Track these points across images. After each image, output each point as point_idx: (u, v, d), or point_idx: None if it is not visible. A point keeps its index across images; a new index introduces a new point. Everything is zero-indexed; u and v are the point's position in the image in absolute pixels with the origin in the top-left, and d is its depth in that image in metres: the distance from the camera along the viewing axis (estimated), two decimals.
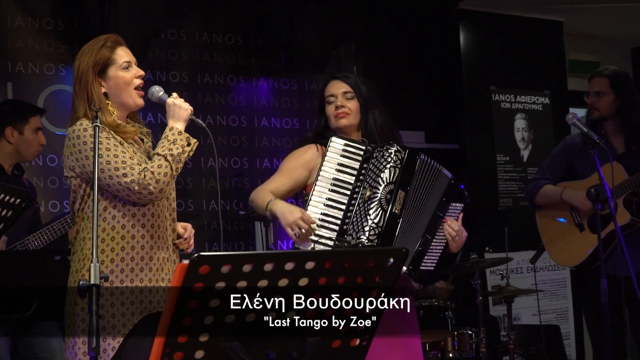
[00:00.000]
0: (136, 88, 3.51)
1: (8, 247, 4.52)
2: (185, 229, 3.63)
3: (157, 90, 3.54)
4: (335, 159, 3.76)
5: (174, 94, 3.50)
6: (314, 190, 3.73)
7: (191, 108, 3.48)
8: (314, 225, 3.65)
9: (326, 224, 3.68)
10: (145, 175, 3.32)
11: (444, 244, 3.94)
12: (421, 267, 3.83)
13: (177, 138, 3.42)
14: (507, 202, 7.53)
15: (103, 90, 3.50)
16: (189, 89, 6.30)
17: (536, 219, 5.28)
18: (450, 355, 5.53)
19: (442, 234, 3.91)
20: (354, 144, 3.79)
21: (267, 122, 6.61)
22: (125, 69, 3.51)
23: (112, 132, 3.42)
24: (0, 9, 5.63)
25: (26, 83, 5.68)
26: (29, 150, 4.81)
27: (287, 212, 3.68)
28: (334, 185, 3.73)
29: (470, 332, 5.57)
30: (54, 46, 5.76)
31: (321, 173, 3.75)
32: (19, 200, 3.47)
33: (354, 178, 3.75)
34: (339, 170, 3.75)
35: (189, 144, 3.44)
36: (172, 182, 3.43)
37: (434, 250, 3.89)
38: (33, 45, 5.73)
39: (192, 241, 3.64)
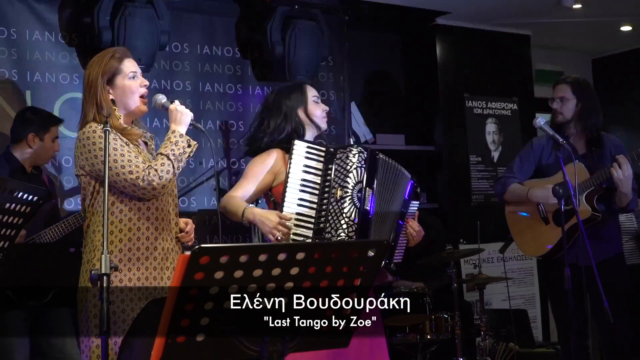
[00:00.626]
0: (141, 96, 3.55)
1: (26, 239, 4.52)
2: (187, 224, 3.65)
3: (161, 98, 3.59)
4: (300, 161, 3.72)
5: (176, 101, 3.53)
6: (286, 191, 3.68)
7: (192, 114, 3.51)
8: (290, 223, 3.61)
9: (301, 223, 3.66)
10: (149, 172, 3.35)
11: (407, 239, 3.97)
12: (394, 260, 3.87)
13: (178, 140, 3.44)
14: (479, 198, 7.53)
15: (111, 97, 3.51)
16: (191, 97, 6.28)
17: (505, 213, 5.27)
18: (428, 337, 5.53)
19: (405, 230, 3.93)
20: (315, 146, 3.76)
21: None
22: (131, 78, 3.53)
23: (119, 135, 3.44)
24: (20, 25, 5.61)
25: (43, 91, 5.66)
26: (45, 156, 4.88)
27: (265, 219, 3.66)
28: (303, 185, 3.70)
29: (446, 316, 5.57)
30: (69, 58, 5.74)
31: (289, 175, 3.70)
32: (37, 197, 3.45)
33: (320, 178, 3.72)
34: (305, 172, 3.71)
35: (189, 146, 3.47)
36: (173, 179, 3.45)
37: (402, 245, 3.91)
38: (49, 57, 5.70)
39: (192, 234, 3.65)
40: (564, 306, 4.59)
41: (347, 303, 2.45)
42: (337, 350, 3.61)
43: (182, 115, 3.49)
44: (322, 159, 3.73)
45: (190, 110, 6.33)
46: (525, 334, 7.05)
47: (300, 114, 3.90)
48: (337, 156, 3.74)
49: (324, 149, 3.77)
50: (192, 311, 2.23)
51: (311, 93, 3.95)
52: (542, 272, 5.49)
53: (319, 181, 3.72)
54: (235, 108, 6.51)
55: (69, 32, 5.77)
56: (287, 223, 3.61)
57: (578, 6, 7.13)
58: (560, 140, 4.57)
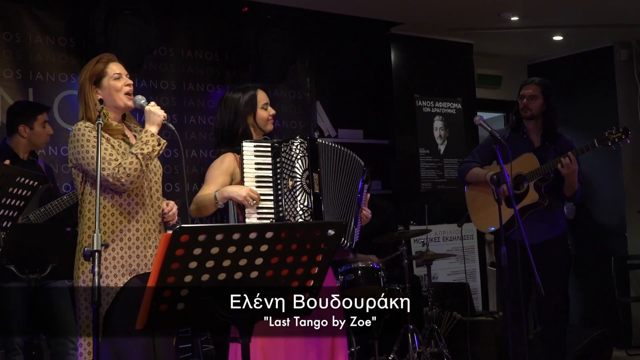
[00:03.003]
0: (126, 93, 3.54)
1: (22, 219, 4.49)
2: (168, 205, 3.64)
3: (140, 99, 3.55)
4: (251, 160, 3.70)
5: (152, 103, 3.50)
6: None
7: (165, 115, 3.47)
8: (258, 195, 3.63)
9: (263, 215, 3.64)
10: (118, 171, 3.34)
11: (360, 220, 3.94)
12: (355, 241, 3.84)
13: (149, 139, 3.42)
14: (427, 185, 7.55)
15: (99, 97, 3.51)
16: (176, 95, 6.27)
17: (465, 193, 5.31)
18: (383, 306, 5.53)
19: (361, 213, 3.91)
20: (261, 144, 3.73)
21: None
22: (116, 79, 3.53)
23: (102, 131, 3.41)
24: (23, 29, 5.57)
25: (44, 89, 5.62)
26: (40, 140, 4.84)
27: (237, 189, 3.66)
28: (258, 181, 3.68)
29: (398, 288, 5.58)
30: (67, 59, 5.71)
31: (244, 174, 3.69)
32: (35, 182, 3.43)
33: (271, 172, 3.70)
34: (257, 169, 3.69)
35: (159, 144, 3.45)
36: (142, 175, 3.41)
37: (359, 226, 3.90)
38: (50, 58, 5.66)
39: (175, 215, 3.65)
40: (503, 280, 4.64)
41: (310, 276, 2.46)
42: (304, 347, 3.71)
43: (154, 116, 3.46)
44: (269, 154, 3.71)
45: (175, 108, 6.36)
46: (467, 304, 7.08)
47: (249, 119, 3.87)
48: (282, 149, 3.72)
49: (269, 144, 3.74)
50: (174, 283, 2.22)
51: (261, 101, 3.92)
52: (495, 247, 5.53)
53: (270, 174, 3.70)
54: (214, 105, 6.47)
55: (67, 37, 5.73)
56: (256, 195, 3.62)
57: (515, 18, 7.16)
58: (498, 136, 4.60)
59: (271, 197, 3.67)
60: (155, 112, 3.46)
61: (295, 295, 2.47)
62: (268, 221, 3.61)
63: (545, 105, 5.14)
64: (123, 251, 3.43)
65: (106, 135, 3.45)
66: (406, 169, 7.42)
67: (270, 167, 3.70)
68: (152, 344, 3.41)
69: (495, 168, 5.03)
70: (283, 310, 2.50)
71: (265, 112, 3.89)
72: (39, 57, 5.61)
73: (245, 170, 3.69)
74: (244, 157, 3.70)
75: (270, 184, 3.69)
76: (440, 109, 7.72)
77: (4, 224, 3.37)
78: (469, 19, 7.14)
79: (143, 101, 3.54)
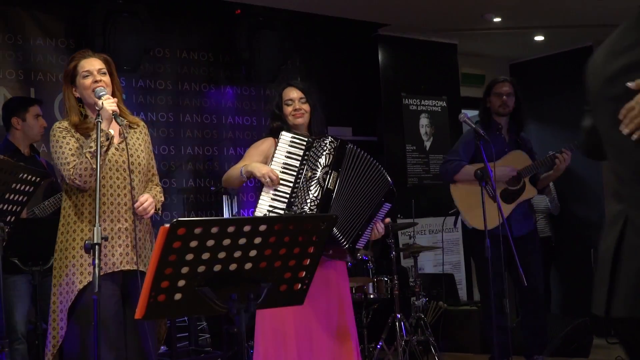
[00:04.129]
0: (95, 90, 3.39)
1: (28, 213, 4.49)
2: (140, 200, 3.47)
3: (98, 92, 3.36)
4: (284, 148, 3.77)
5: (105, 96, 3.32)
6: None
7: (113, 109, 3.28)
8: (278, 175, 3.69)
9: (278, 198, 3.69)
10: (72, 172, 3.31)
11: (370, 233, 3.94)
12: (357, 246, 3.84)
13: (87, 139, 3.34)
14: (414, 180, 7.57)
15: (77, 95, 3.47)
16: (172, 94, 6.27)
17: (451, 191, 5.28)
18: (371, 296, 5.56)
19: (371, 224, 3.89)
20: (299, 137, 3.80)
21: (232, 119, 6.60)
22: (84, 77, 3.43)
23: (72, 130, 3.41)
24: (25, 32, 5.58)
25: (45, 88, 5.62)
26: (33, 132, 4.81)
27: (259, 166, 3.71)
28: (284, 168, 3.74)
29: (386, 279, 5.60)
30: (67, 60, 5.67)
31: (274, 159, 3.75)
32: (37, 178, 3.42)
33: (299, 162, 3.75)
34: (287, 157, 3.75)
35: (107, 139, 3.34)
36: (94, 173, 3.26)
37: (366, 235, 3.89)
38: (50, 59, 5.67)
39: (146, 210, 3.45)
40: (486, 271, 4.66)
41: (302, 267, 2.47)
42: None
43: (104, 111, 3.29)
44: (303, 147, 3.77)
45: (171, 106, 6.35)
46: (452, 294, 7.12)
47: (277, 113, 3.96)
48: (314, 145, 3.78)
49: (305, 139, 3.80)
50: (171, 274, 2.23)
51: (285, 97, 3.98)
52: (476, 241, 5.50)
53: (297, 164, 3.75)
54: (209, 104, 6.50)
55: (67, 38, 5.74)
56: (275, 174, 3.67)
57: (498, 19, 7.18)
58: (482, 132, 4.63)
59: (290, 184, 3.72)
60: (105, 107, 3.29)
61: (287, 286, 2.48)
62: (280, 204, 3.65)
63: (516, 102, 5.19)
64: (82, 250, 3.29)
65: (77, 135, 3.41)
66: (393, 165, 7.43)
67: (299, 158, 3.76)
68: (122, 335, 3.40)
69: (482, 166, 5.05)
70: (276, 300, 2.52)
71: (288, 108, 3.95)
72: (40, 58, 5.62)
73: (276, 154, 3.76)
74: (280, 144, 3.77)
75: (293, 173, 3.74)
76: (426, 106, 7.74)
77: (8, 219, 3.37)
78: (454, 20, 7.15)
79: (100, 94, 3.34)
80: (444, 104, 7.87)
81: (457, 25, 7.31)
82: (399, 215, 6.96)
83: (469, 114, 5.54)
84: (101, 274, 3.19)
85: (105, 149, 3.33)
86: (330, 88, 7.19)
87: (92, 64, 3.45)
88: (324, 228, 2.43)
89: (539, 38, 8.04)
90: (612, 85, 2.12)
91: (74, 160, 3.32)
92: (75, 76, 3.45)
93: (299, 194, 3.71)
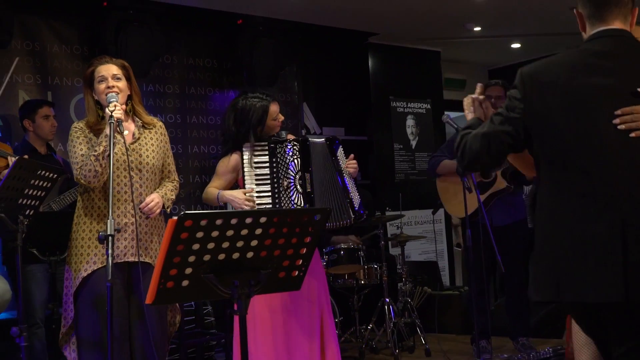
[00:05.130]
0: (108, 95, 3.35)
1: (45, 207, 4.47)
2: (147, 199, 3.44)
3: (109, 98, 3.30)
4: (249, 160, 3.63)
5: (112, 103, 3.25)
6: (245, 188, 3.63)
7: (117, 116, 3.19)
8: (254, 199, 3.59)
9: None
10: (79, 172, 3.31)
11: (353, 181, 3.81)
12: (356, 207, 3.71)
13: (102, 140, 3.28)
14: (401, 176, 7.57)
15: (95, 98, 3.43)
16: (179, 98, 6.25)
17: (436, 184, 5.28)
18: (362, 282, 5.56)
19: (347, 179, 3.75)
20: (258, 144, 3.64)
21: None
22: (99, 82, 3.39)
23: (87, 130, 3.40)
24: (42, 39, 5.54)
25: (61, 92, 5.59)
26: (43, 132, 4.78)
27: (234, 197, 3.62)
28: (257, 179, 3.62)
29: (376, 266, 5.60)
30: (81, 66, 5.66)
31: (245, 174, 3.63)
32: (54, 175, 3.40)
33: (268, 169, 3.63)
34: (256, 167, 3.62)
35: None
36: (100, 173, 3.29)
37: (354, 189, 3.77)
38: (66, 65, 5.64)
39: (152, 210, 3.42)
40: (468, 258, 4.65)
41: (299, 256, 2.46)
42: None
43: (108, 117, 3.24)
44: (266, 152, 3.64)
45: (179, 109, 6.34)
46: (436, 280, 7.12)
47: (258, 129, 3.71)
48: (277, 150, 3.64)
49: (265, 144, 3.65)
50: (179, 263, 2.21)
51: (273, 113, 3.74)
52: (460, 231, 5.52)
53: (268, 172, 3.62)
54: (213, 106, 6.48)
55: (81, 46, 5.71)
56: (250, 197, 3.58)
57: (478, 28, 7.18)
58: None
59: (268, 194, 3.62)
60: (109, 114, 3.22)
61: (285, 273, 2.47)
62: None
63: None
64: (90, 242, 3.37)
65: (90, 135, 3.39)
66: (382, 162, 7.43)
67: (267, 165, 3.63)
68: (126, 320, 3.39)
69: None
70: (275, 286, 2.51)
71: (274, 122, 3.75)
72: (56, 64, 5.58)
73: (245, 170, 3.63)
74: (244, 159, 3.64)
75: (267, 182, 3.62)
76: (412, 109, 7.74)
77: (27, 212, 3.34)
78: (437, 29, 7.15)
79: (111, 100, 3.28)
80: (428, 106, 7.86)
81: (440, 34, 7.31)
82: (387, 208, 6.96)
83: (452, 115, 5.54)
84: (105, 264, 3.21)
85: (107, 153, 3.25)
86: (324, 91, 7.20)
87: (108, 70, 3.40)
88: (319, 219, 2.42)
89: (516, 45, 8.04)
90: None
91: (82, 162, 3.31)
92: (93, 80, 3.41)
93: (282, 204, 3.60)
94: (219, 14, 6.20)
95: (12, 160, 3.40)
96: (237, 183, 3.81)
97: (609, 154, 2.18)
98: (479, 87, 2.70)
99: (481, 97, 2.65)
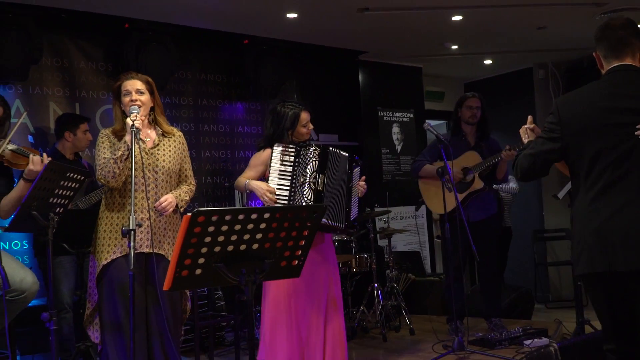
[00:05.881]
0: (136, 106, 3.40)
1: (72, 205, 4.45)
2: (161, 199, 3.44)
3: (131, 109, 3.35)
4: (278, 157, 3.70)
5: (133, 114, 3.29)
6: (269, 180, 3.69)
7: (136, 126, 3.23)
8: (274, 193, 3.65)
9: (280, 201, 3.65)
10: (99, 173, 3.33)
11: (357, 198, 3.91)
12: (351, 218, 3.82)
13: (122, 146, 3.32)
14: (388, 177, 7.56)
15: (122, 108, 3.45)
16: (193, 109, 6.23)
17: (419, 185, 5.29)
18: (354, 269, 5.56)
19: (354, 193, 3.86)
20: (287, 146, 3.72)
21: (242, 128, 6.56)
22: (125, 95, 3.42)
23: (112, 136, 3.42)
24: (70, 56, 5.49)
25: (88, 104, 5.54)
26: (81, 145, 4.78)
27: (258, 187, 3.68)
28: (280, 174, 3.70)
29: (366, 256, 5.60)
30: (105, 80, 5.64)
31: (271, 167, 3.69)
32: (82, 177, 3.39)
33: (291, 168, 3.69)
34: (281, 164, 3.69)
35: (127, 149, 3.31)
36: (118, 174, 3.32)
37: (355, 205, 3.87)
38: (92, 79, 5.60)
39: (165, 209, 3.42)
40: (447, 249, 4.65)
41: (298, 247, 2.45)
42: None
43: (127, 126, 3.29)
44: (292, 154, 3.71)
45: (192, 118, 6.32)
46: (419, 267, 7.12)
47: (289, 132, 3.81)
48: (301, 152, 3.71)
49: (293, 147, 3.73)
50: (193, 254, 2.21)
51: (303, 120, 3.84)
52: (439, 225, 5.53)
53: (290, 169, 3.69)
54: (223, 116, 6.46)
55: (105, 62, 5.67)
56: (271, 191, 3.64)
57: (455, 47, 7.17)
58: (442, 138, 4.62)
59: (287, 188, 3.67)
60: (128, 122, 3.27)
61: (286, 262, 2.46)
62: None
63: (482, 114, 5.18)
64: (110, 234, 3.39)
65: (114, 141, 3.41)
66: (371, 164, 7.42)
67: (291, 164, 3.69)
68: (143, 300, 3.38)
69: (440, 163, 5.04)
70: (277, 274, 2.50)
71: (304, 129, 3.84)
72: (83, 79, 5.54)
73: (272, 164, 3.70)
74: (273, 155, 3.71)
75: (288, 177, 3.68)
76: (397, 117, 7.73)
77: (57, 210, 3.33)
78: (419, 48, 7.14)
79: (133, 112, 3.32)
80: (412, 115, 7.85)
81: (421, 51, 7.30)
82: (376, 205, 6.95)
83: (432, 123, 5.55)
84: (124, 254, 3.29)
85: (125, 157, 3.31)
86: (320, 102, 7.18)
87: (133, 85, 3.43)
88: (316, 215, 2.42)
89: (488, 61, 8.04)
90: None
91: (103, 164, 3.34)
92: (120, 93, 3.44)
93: (296, 197, 3.66)
94: (228, 35, 6.19)
95: (33, 158, 3.37)
96: (265, 177, 3.85)
97: (629, 161, 2.52)
98: (529, 118, 3.02)
99: (532, 125, 2.98)
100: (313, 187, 3.68)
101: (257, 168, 3.84)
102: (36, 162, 3.35)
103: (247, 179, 3.80)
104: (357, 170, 3.95)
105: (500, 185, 7.48)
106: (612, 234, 2.48)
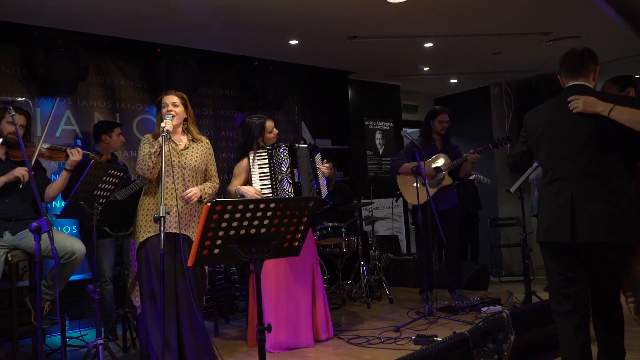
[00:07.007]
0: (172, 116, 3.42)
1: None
2: (187, 190, 3.43)
3: (165, 117, 3.37)
4: (255, 163, 3.66)
5: (165, 121, 3.32)
6: (252, 183, 3.65)
7: (167, 128, 3.27)
8: (260, 191, 3.62)
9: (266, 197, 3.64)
10: (138, 167, 3.33)
11: (325, 179, 3.88)
12: (322, 197, 3.77)
13: (155, 144, 3.36)
14: (372, 174, 7.55)
15: (161, 117, 3.45)
16: (213, 118, 6.20)
17: (397, 180, 5.26)
18: (344, 250, 5.54)
19: (320, 175, 3.81)
20: (260, 151, 3.68)
21: None
22: (163, 107, 3.43)
23: (152, 139, 3.42)
24: (111, 75, 5.46)
25: (126, 114, 5.52)
26: (115, 146, 4.74)
27: (247, 190, 3.65)
28: (261, 176, 3.66)
29: (353, 239, 5.59)
30: (141, 95, 5.62)
31: (252, 173, 3.66)
32: (121, 173, 3.38)
33: (268, 169, 3.66)
34: (259, 167, 3.66)
35: (159, 147, 3.32)
36: (152, 168, 3.30)
37: (323, 185, 3.84)
38: (130, 94, 5.57)
39: (190, 199, 3.40)
40: (420, 233, 4.64)
41: (298, 231, 2.44)
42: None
43: (158, 129, 3.34)
44: (265, 157, 3.68)
45: (212, 126, 6.28)
46: (396, 248, 7.12)
47: (259, 139, 3.77)
48: (273, 154, 3.67)
49: (264, 151, 3.68)
50: (212, 237, 2.20)
51: (268, 127, 3.79)
52: (413, 213, 5.51)
53: (267, 170, 3.66)
54: (237, 125, 6.42)
55: (141, 80, 5.64)
56: (257, 192, 3.62)
57: (427, 68, 7.16)
58: (416, 142, 4.61)
59: (269, 187, 3.64)
60: (161, 126, 3.33)
61: (288, 243, 2.45)
62: None
63: (448, 125, 5.19)
64: (145, 217, 3.38)
65: (152, 142, 3.41)
66: (358, 164, 7.41)
67: (267, 165, 3.65)
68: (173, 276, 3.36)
69: (415, 163, 5.04)
70: (281, 253, 2.49)
71: (270, 135, 3.80)
72: (122, 93, 5.52)
73: (252, 170, 3.66)
74: (250, 162, 3.67)
75: (269, 178, 3.64)
76: (380, 126, 7.72)
77: (100, 200, 3.32)
78: (397, 69, 7.14)
79: (166, 119, 3.35)
80: (391, 124, 7.84)
81: (399, 72, 7.30)
82: (362, 197, 6.94)
83: (408, 131, 5.55)
84: (157, 233, 3.29)
85: (157, 153, 3.32)
86: (317, 113, 7.17)
87: (170, 99, 3.46)
88: (312, 205, 2.41)
89: (454, 80, 8.04)
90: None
91: (141, 159, 3.35)
92: (160, 106, 3.47)
93: (278, 192, 3.62)
94: (241, 58, 6.17)
95: (72, 151, 3.48)
96: (249, 182, 3.81)
97: (570, 158, 2.64)
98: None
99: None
100: (291, 181, 3.64)
101: (240, 176, 3.78)
102: (75, 154, 3.49)
103: (236, 186, 3.76)
104: (317, 155, 3.88)
105: (480, 177, 7.54)
106: (561, 212, 2.64)
